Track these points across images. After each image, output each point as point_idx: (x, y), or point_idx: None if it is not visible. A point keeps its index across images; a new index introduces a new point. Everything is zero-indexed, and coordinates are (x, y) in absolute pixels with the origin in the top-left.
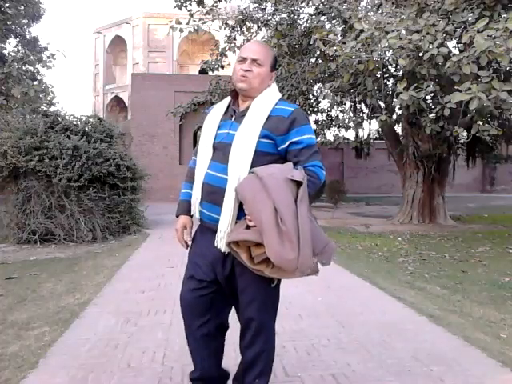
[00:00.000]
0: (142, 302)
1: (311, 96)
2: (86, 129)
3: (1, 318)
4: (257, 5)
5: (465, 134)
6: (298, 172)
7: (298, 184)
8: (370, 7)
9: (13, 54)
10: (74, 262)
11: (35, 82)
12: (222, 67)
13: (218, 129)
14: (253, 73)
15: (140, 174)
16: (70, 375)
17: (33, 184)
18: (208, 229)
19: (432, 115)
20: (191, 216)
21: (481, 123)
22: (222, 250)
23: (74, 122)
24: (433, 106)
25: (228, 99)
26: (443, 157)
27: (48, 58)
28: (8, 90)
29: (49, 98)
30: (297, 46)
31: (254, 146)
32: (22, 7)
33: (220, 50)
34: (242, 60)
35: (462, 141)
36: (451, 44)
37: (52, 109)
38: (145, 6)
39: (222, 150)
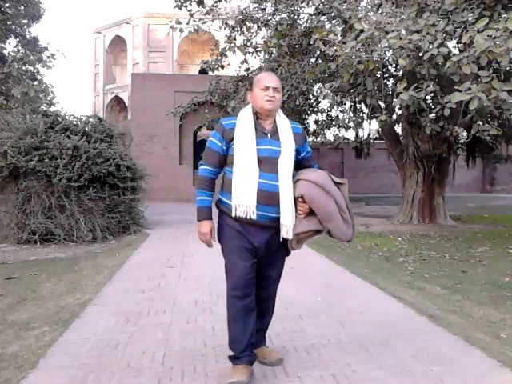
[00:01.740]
0: (141, 302)
1: (311, 96)
2: (86, 129)
3: (1, 318)
4: (257, 5)
5: (465, 134)
6: (334, 176)
7: (336, 183)
8: (370, 7)
9: (13, 54)
10: (74, 262)
11: (35, 82)
12: (222, 67)
13: (257, 144)
14: (276, 98)
15: (140, 174)
16: (70, 375)
17: (33, 184)
18: (260, 225)
19: (432, 115)
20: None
21: (481, 123)
22: (290, 238)
23: (74, 122)
24: (433, 106)
25: (248, 118)
26: (443, 157)
27: (48, 58)
28: (8, 90)
29: (49, 98)
30: (297, 46)
31: (293, 158)
32: (22, 7)
33: (220, 49)
34: (265, 88)
35: (462, 141)
36: (451, 44)
37: (52, 109)
38: (145, 5)
39: (269, 163)
